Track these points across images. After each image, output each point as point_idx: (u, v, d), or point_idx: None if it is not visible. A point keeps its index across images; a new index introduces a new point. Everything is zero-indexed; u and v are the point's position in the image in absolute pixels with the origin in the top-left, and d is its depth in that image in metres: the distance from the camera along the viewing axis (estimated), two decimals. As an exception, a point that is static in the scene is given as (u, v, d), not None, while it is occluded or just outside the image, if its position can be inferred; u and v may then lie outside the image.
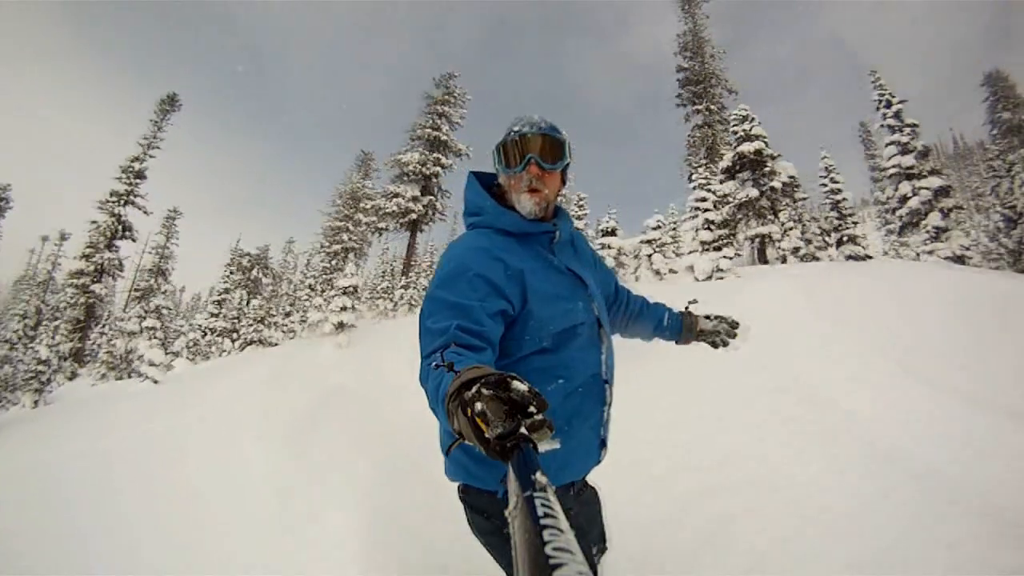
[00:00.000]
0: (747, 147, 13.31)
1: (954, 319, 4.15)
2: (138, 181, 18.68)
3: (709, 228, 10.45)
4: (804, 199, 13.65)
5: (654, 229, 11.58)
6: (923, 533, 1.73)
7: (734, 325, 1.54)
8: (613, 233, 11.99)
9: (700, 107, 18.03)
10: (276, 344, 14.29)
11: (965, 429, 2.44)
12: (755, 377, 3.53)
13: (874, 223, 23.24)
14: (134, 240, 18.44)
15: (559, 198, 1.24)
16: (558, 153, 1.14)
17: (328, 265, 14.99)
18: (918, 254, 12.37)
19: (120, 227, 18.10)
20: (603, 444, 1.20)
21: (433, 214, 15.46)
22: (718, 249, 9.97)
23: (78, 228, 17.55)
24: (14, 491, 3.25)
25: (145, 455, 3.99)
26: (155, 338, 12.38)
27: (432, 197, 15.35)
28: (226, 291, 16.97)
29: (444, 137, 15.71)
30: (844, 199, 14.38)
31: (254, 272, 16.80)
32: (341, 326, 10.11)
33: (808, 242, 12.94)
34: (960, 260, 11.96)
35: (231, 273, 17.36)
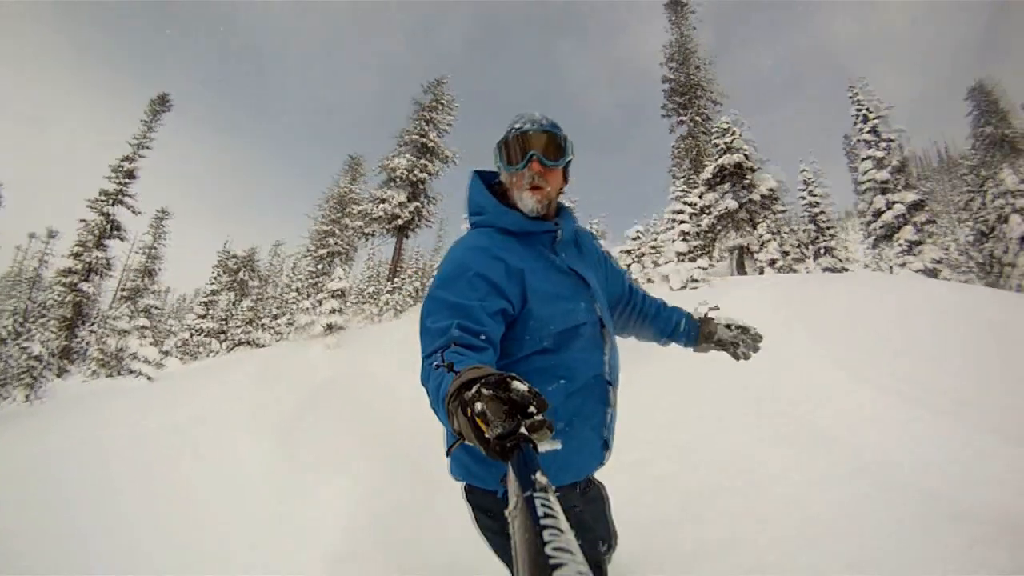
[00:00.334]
0: (728, 159, 13.61)
1: (934, 332, 4.28)
2: (128, 181, 18.66)
3: (685, 239, 10.69)
4: (783, 211, 13.97)
5: (634, 239, 11.83)
6: (923, 534, 1.74)
7: (757, 338, 1.47)
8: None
9: (685, 117, 18.33)
10: (264, 346, 14.40)
11: (956, 437, 2.48)
12: (740, 382, 3.57)
13: (858, 235, 23.70)
14: (123, 240, 18.43)
15: (561, 196, 1.24)
16: (560, 150, 1.15)
17: (315, 269, 15.11)
18: (891, 267, 12.71)
19: (110, 226, 18.09)
20: (606, 445, 1.19)
21: (420, 219, 15.61)
22: (693, 260, 10.22)
23: (63, 226, 17.50)
24: (14, 490, 3.25)
25: (143, 452, 4.00)
26: (145, 337, 12.47)
27: (419, 203, 15.51)
28: (214, 293, 17.04)
29: (432, 143, 15.87)
30: (823, 211, 14.75)
31: (241, 274, 16.88)
32: (330, 328, 10.29)
33: (786, 254, 13.26)
34: (932, 273, 12.33)
35: (219, 275, 17.43)
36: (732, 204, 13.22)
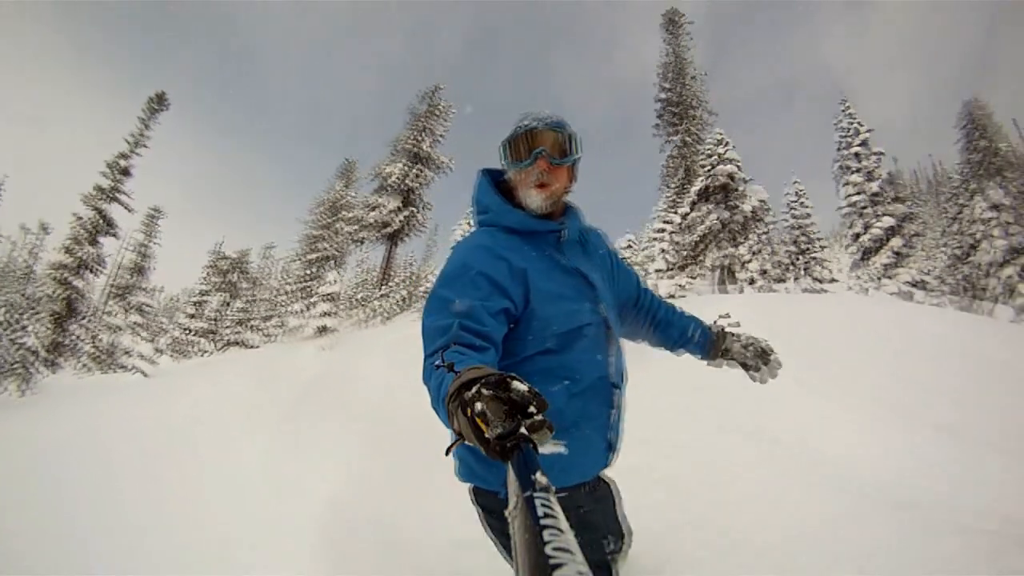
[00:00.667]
0: (720, 170, 13.69)
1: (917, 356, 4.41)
2: (123, 178, 18.62)
3: (664, 257, 10.80)
4: (773, 224, 14.07)
5: (625, 248, 11.91)
6: (924, 535, 1.76)
7: (776, 364, 1.40)
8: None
9: (676, 136, 18.41)
10: (255, 347, 14.40)
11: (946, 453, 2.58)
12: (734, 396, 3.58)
13: (846, 254, 23.85)
14: (116, 237, 18.37)
15: (568, 194, 1.23)
16: (567, 147, 1.14)
17: (305, 273, 15.09)
18: (867, 288, 12.82)
19: (103, 223, 18.05)
20: (611, 447, 1.18)
21: (412, 227, 15.64)
22: (672, 277, 10.32)
23: (55, 221, 17.44)
24: (13, 488, 3.23)
25: (142, 449, 4.00)
26: (138, 334, 12.46)
27: (412, 209, 15.55)
28: (204, 293, 16.99)
29: (426, 151, 15.92)
30: (812, 224, 14.87)
31: (232, 276, 16.84)
32: (323, 330, 10.34)
33: (764, 272, 13.34)
34: (908, 295, 12.45)
35: (209, 275, 17.38)
36: (724, 215, 13.32)
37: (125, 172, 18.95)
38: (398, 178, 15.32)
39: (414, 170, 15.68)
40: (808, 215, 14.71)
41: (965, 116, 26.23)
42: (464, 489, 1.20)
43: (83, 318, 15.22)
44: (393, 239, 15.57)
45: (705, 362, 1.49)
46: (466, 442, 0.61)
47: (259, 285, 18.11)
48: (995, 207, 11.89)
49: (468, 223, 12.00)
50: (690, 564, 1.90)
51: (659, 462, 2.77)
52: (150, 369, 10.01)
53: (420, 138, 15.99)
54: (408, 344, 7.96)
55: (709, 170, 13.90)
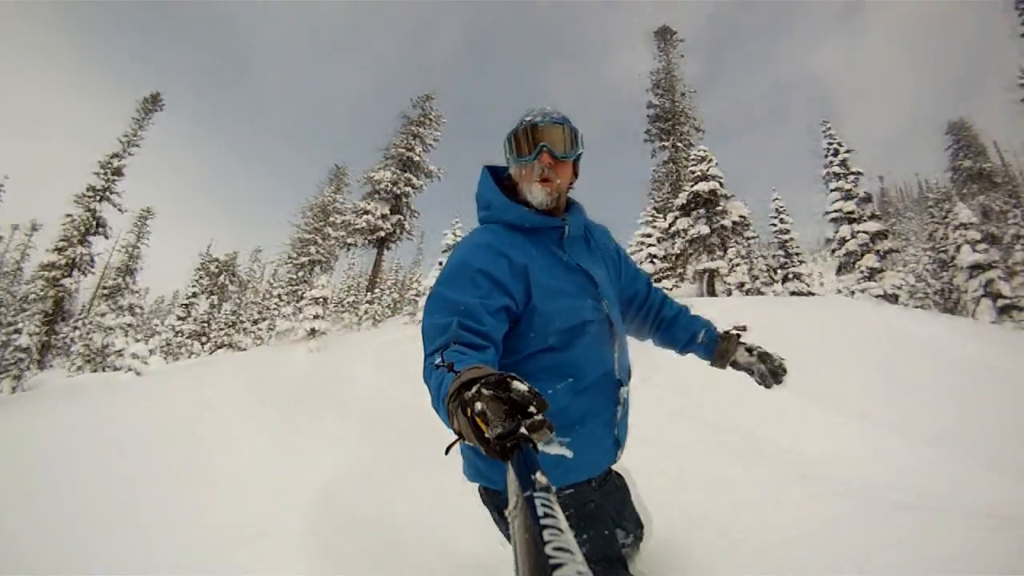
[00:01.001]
0: (703, 186, 14.08)
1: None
2: (115, 178, 18.70)
3: (652, 262, 11.05)
4: (754, 237, 14.45)
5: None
6: (924, 535, 1.76)
7: (780, 370, 1.33)
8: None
9: (667, 143, 18.85)
10: (245, 349, 14.46)
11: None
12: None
13: (832, 262, 24.27)
14: (107, 237, 18.40)
15: (571, 190, 1.23)
16: (570, 143, 1.14)
17: (295, 276, 15.24)
18: (852, 292, 13.21)
19: (95, 223, 18.08)
20: (617, 443, 1.19)
21: (401, 232, 15.83)
22: (658, 281, 10.58)
23: (46, 221, 17.46)
24: (13, 488, 3.22)
25: (142, 449, 4.00)
26: (128, 335, 12.51)
27: (401, 216, 15.75)
28: (194, 295, 17.05)
29: (417, 158, 16.18)
30: (792, 238, 15.27)
31: (221, 278, 16.94)
32: (313, 332, 10.49)
33: (755, 278, 13.70)
34: (892, 298, 12.84)
35: (200, 278, 17.46)
36: (705, 229, 13.67)
37: (117, 172, 19.07)
38: (389, 184, 15.55)
39: (405, 176, 15.92)
40: (787, 230, 15.12)
41: (951, 136, 27.00)
42: (462, 488, 1.21)
43: (73, 318, 15.26)
44: (382, 244, 15.73)
45: (709, 365, 1.45)
46: (466, 442, 0.62)
47: (248, 288, 18.19)
48: (963, 225, 12.30)
49: (456, 232, 12.21)
50: (690, 564, 1.87)
51: (661, 462, 2.74)
52: (143, 369, 10.08)
53: (411, 144, 16.27)
54: (397, 346, 8.13)
55: (692, 185, 14.30)
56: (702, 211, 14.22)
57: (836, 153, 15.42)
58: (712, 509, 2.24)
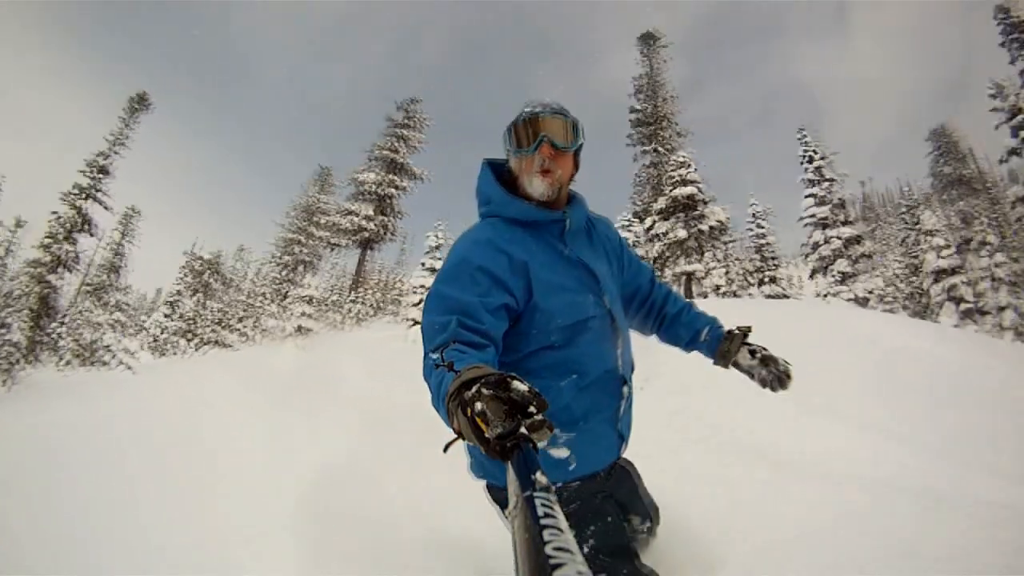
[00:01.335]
0: (682, 191, 14.40)
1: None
2: (101, 176, 18.66)
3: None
4: (732, 241, 14.81)
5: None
6: (924, 535, 1.75)
7: (783, 373, 1.27)
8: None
9: (649, 148, 19.14)
10: (231, 346, 14.52)
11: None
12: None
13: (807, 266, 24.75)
14: (92, 235, 18.37)
15: (572, 183, 1.22)
16: (571, 134, 1.13)
17: (279, 276, 15.31)
18: (825, 295, 13.61)
19: (81, 220, 18.03)
20: (621, 438, 1.20)
21: (385, 234, 15.96)
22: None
23: (33, 219, 17.35)
24: (13, 488, 3.18)
25: (142, 446, 3.97)
26: (116, 331, 12.55)
27: (385, 217, 15.89)
28: (179, 293, 17.07)
29: (402, 160, 16.31)
30: (768, 242, 15.66)
31: (206, 276, 16.97)
32: (300, 330, 10.67)
33: (731, 281, 14.06)
34: (863, 302, 13.27)
35: (185, 276, 17.47)
36: (682, 233, 13.98)
37: (104, 171, 18.99)
38: (373, 185, 15.68)
39: (389, 177, 16.06)
40: (764, 235, 15.50)
41: (932, 142, 27.62)
42: (461, 486, 1.25)
43: (60, 315, 15.23)
44: (367, 245, 15.85)
45: (713, 363, 1.41)
46: (465, 441, 0.62)
47: (232, 286, 18.23)
48: (929, 232, 12.74)
49: (439, 234, 12.41)
50: (690, 564, 1.84)
51: (662, 461, 2.72)
52: (135, 364, 10.17)
53: (397, 146, 16.41)
54: (383, 345, 8.34)
55: (671, 190, 14.61)
56: (681, 215, 14.55)
57: (811, 160, 15.85)
58: (712, 509, 2.21)
